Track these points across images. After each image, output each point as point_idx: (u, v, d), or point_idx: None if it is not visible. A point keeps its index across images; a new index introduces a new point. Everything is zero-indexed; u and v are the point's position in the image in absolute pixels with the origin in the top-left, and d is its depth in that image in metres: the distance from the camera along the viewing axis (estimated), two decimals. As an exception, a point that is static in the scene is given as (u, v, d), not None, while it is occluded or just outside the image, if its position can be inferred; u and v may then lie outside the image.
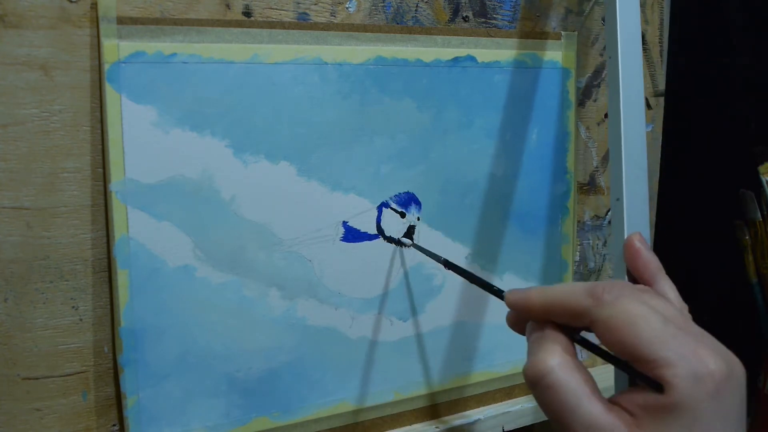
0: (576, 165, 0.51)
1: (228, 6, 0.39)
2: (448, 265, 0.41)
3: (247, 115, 0.40)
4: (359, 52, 0.42)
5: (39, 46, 0.35)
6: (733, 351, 0.30)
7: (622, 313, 0.29)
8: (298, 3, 0.41)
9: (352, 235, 0.44)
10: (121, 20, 0.36)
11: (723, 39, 0.71)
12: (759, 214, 0.61)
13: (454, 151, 0.46)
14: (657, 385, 0.28)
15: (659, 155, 0.58)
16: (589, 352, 0.32)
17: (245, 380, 0.42)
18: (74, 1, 0.35)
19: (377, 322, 0.45)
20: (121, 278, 0.38)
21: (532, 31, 0.49)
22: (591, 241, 0.55)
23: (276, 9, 0.40)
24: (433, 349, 0.48)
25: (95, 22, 0.36)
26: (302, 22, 0.41)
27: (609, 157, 0.39)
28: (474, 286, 0.49)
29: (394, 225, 0.45)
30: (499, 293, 0.35)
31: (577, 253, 0.54)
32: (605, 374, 0.54)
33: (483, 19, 0.47)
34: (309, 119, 0.41)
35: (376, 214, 0.44)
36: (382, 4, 0.44)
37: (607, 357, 0.30)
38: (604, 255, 0.56)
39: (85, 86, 0.36)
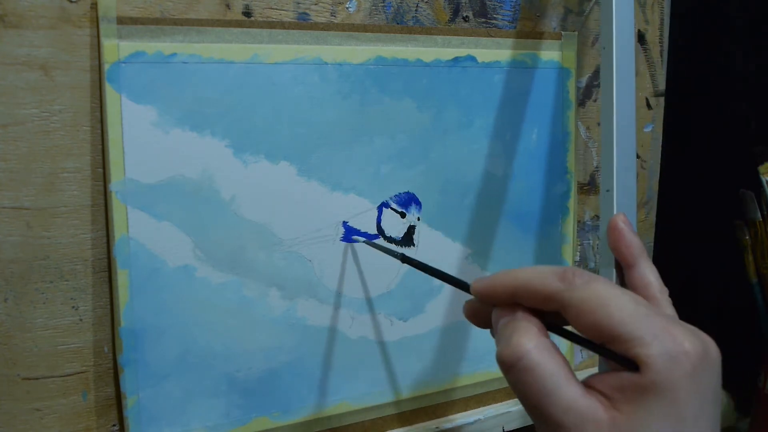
0: (576, 165, 0.51)
1: (228, 6, 0.39)
2: (405, 259, 0.39)
3: (247, 115, 0.40)
4: (359, 52, 0.42)
5: (39, 46, 0.35)
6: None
7: (594, 296, 0.28)
8: (298, 3, 0.41)
9: (352, 235, 0.44)
10: (121, 20, 0.36)
11: (723, 39, 0.71)
12: (759, 214, 0.61)
13: (454, 151, 0.46)
14: (632, 365, 0.27)
15: (659, 155, 0.58)
16: (588, 351, 0.32)
17: (245, 380, 0.42)
18: (74, 1, 0.35)
19: (377, 322, 0.45)
20: (121, 278, 0.38)
21: (533, 31, 0.49)
22: (591, 241, 0.55)
23: (276, 9, 0.40)
24: (433, 349, 0.48)
25: (95, 22, 0.36)
26: (302, 22, 0.41)
27: (601, 149, 0.39)
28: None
29: (394, 225, 0.45)
30: (464, 286, 0.33)
31: (578, 253, 0.54)
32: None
33: (483, 19, 0.47)
34: (309, 119, 0.41)
35: (376, 214, 0.44)
36: (382, 4, 0.44)
37: (578, 340, 0.30)
38: (604, 255, 0.56)
39: (85, 86, 0.36)
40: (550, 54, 0.49)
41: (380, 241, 0.45)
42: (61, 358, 0.38)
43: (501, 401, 0.51)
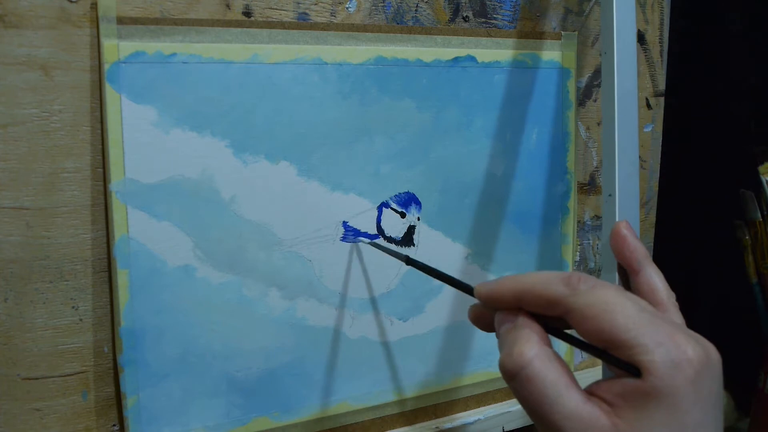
0: (576, 165, 0.51)
1: (228, 6, 0.39)
2: (410, 261, 0.39)
3: (247, 115, 0.40)
4: (359, 52, 0.42)
5: (39, 46, 0.35)
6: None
7: (599, 301, 0.28)
8: (298, 3, 0.41)
9: (352, 234, 0.44)
10: (121, 20, 0.36)
11: (723, 39, 0.71)
12: (759, 214, 0.61)
13: (454, 151, 0.46)
14: (635, 370, 0.27)
15: (659, 155, 0.58)
16: (590, 355, 0.32)
17: (245, 380, 0.42)
18: (74, 1, 0.35)
19: (377, 322, 0.45)
20: (121, 278, 0.38)
21: (532, 31, 0.49)
22: (591, 241, 0.55)
23: (276, 9, 0.40)
24: (433, 349, 0.48)
25: (95, 22, 0.36)
26: (302, 22, 0.41)
27: (602, 154, 0.39)
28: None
29: (394, 225, 0.45)
30: (468, 289, 0.33)
31: (577, 253, 0.54)
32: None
33: (483, 19, 0.47)
34: (309, 119, 0.41)
35: (376, 214, 0.44)
36: (382, 4, 0.44)
37: (582, 345, 0.30)
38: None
39: (85, 86, 0.36)
40: (550, 54, 0.49)
41: (380, 241, 0.45)
42: (61, 358, 0.38)
43: (501, 401, 0.51)
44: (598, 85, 0.53)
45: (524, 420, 0.51)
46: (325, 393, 0.44)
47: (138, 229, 0.38)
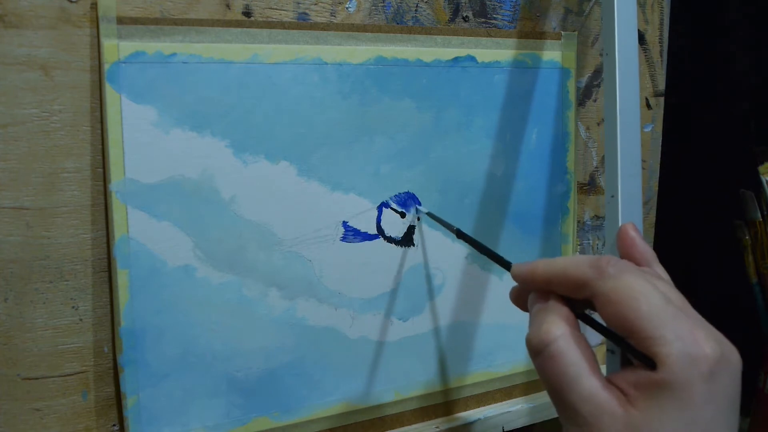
0: (576, 165, 0.51)
1: (228, 6, 0.39)
2: (460, 234, 0.41)
3: (247, 115, 0.40)
4: (359, 52, 0.42)
5: (39, 46, 0.35)
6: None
7: (625, 287, 0.29)
8: (298, 3, 0.41)
9: (352, 235, 0.44)
10: (121, 20, 0.36)
11: (723, 39, 0.71)
12: (759, 214, 0.61)
13: (454, 151, 0.46)
14: (650, 362, 0.28)
15: (659, 155, 0.58)
16: (597, 339, 0.32)
17: (245, 380, 0.42)
18: (74, 1, 0.35)
19: (377, 322, 0.45)
20: (121, 278, 0.38)
21: (532, 31, 0.49)
22: (591, 241, 0.55)
23: (276, 9, 0.40)
24: (433, 349, 0.48)
25: (95, 22, 0.36)
26: (302, 22, 0.41)
27: (604, 155, 0.39)
28: (473, 288, 0.49)
29: (394, 225, 0.45)
30: (506, 264, 0.35)
31: (578, 253, 0.54)
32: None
33: (483, 19, 0.47)
34: (309, 119, 0.41)
35: (376, 214, 0.44)
36: (382, 4, 0.44)
37: (603, 331, 0.30)
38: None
39: (85, 86, 0.36)
40: (550, 54, 0.49)
41: (380, 241, 0.45)
42: (61, 358, 0.38)
43: (501, 401, 0.51)
44: (598, 85, 0.53)
45: (524, 420, 0.51)
46: (325, 393, 0.44)
47: (138, 229, 0.38)
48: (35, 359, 0.37)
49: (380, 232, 0.45)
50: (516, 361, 0.51)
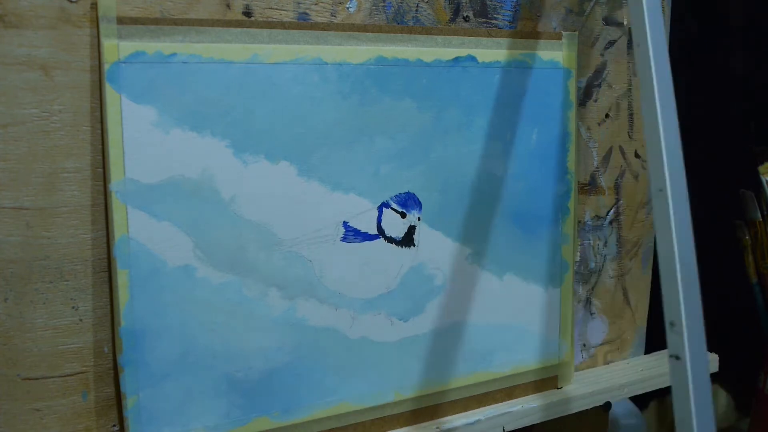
0: (576, 165, 0.51)
1: (228, 6, 0.39)
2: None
3: (247, 115, 0.40)
4: (359, 52, 0.42)
5: (39, 46, 0.35)
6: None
7: None
8: (298, 3, 0.41)
9: (352, 235, 0.44)
10: (121, 20, 0.36)
11: (723, 39, 0.71)
12: (759, 214, 0.61)
13: (455, 151, 0.46)
14: None
15: (659, 155, 0.58)
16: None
17: (245, 380, 0.42)
18: (74, 1, 0.35)
19: (377, 322, 0.45)
20: (121, 278, 0.38)
21: (533, 31, 0.49)
22: (591, 242, 0.55)
23: (276, 9, 0.40)
24: (433, 349, 0.48)
25: (95, 22, 0.36)
26: (302, 22, 0.41)
27: (647, 147, 0.38)
28: (473, 288, 0.49)
29: (395, 225, 0.45)
30: None
31: (578, 253, 0.54)
32: (608, 374, 0.54)
33: (483, 19, 0.47)
34: (309, 119, 0.41)
35: (377, 214, 0.44)
36: (383, 4, 0.44)
37: None
38: (605, 255, 0.56)
39: (85, 86, 0.36)
40: (550, 54, 0.49)
41: (381, 241, 0.45)
42: (61, 358, 0.38)
43: (501, 401, 0.51)
44: (599, 85, 0.53)
45: (524, 420, 0.51)
46: (325, 393, 0.44)
47: (138, 229, 0.38)
48: (35, 359, 0.37)
49: (380, 232, 0.45)
50: (517, 361, 0.51)
